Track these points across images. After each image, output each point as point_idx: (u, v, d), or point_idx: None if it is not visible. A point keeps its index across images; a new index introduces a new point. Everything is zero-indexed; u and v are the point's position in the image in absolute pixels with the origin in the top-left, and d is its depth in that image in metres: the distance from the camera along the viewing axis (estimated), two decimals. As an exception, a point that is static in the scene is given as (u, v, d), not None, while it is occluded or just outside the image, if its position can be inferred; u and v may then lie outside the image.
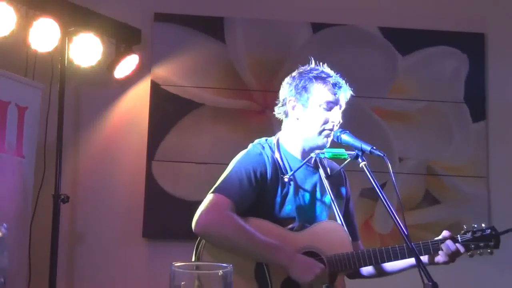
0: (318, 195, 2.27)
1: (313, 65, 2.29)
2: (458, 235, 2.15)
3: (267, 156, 2.20)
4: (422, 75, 3.88)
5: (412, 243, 1.89)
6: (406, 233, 1.85)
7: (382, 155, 2.01)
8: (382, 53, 3.88)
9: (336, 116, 2.20)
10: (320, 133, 2.20)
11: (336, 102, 2.21)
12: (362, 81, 3.81)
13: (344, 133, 2.15)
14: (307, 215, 2.22)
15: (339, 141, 2.15)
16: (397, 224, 1.85)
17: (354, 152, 2.11)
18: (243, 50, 3.83)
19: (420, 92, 3.87)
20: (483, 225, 2.17)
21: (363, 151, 2.06)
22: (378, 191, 1.93)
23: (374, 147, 2.06)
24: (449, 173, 3.81)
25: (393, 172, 1.96)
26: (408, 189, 3.75)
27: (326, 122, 2.20)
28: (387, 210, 1.87)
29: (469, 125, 3.85)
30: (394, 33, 3.89)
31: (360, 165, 2.04)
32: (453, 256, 2.11)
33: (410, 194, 3.75)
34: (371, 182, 1.97)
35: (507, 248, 3.63)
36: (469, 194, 3.78)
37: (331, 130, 2.19)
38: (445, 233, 2.16)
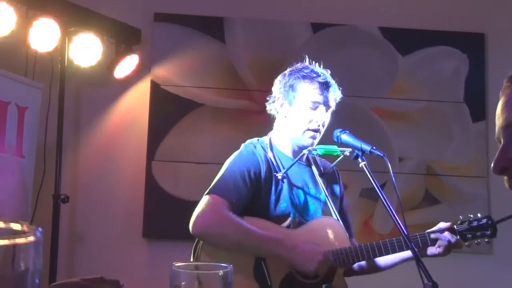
0: (312, 191, 2.27)
1: (306, 63, 2.29)
2: (455, 225, 2.16)
3: (260, 156, 2.21)
4: (422, 75, 3.88)
5: (409, 236, 1.88)
6: (406, 233, 1.85)
7: (382, 155, 2.02)
8: (382, 53, 3.87)
9: (321, 116, 2.19)
10: (303, 132, 2.20)
11: (322, 102, 2.20)
12: (362, 81, 3.81)
13: (344, 133, 2.15)
14: (302, 212, 2.23)
15: (339, 141, 2.16)
16: (397, 224, 1.86)
17: (346, 149, 2.11)
18: (243, 50, 3.82)
19: (420, 92, 3.87)
20: (479, 215, 2.17)
21: (363, 151, 2.06)
22: (378, 191, 1.93)
23: (374, 147, 2.06)
24: (449, 173, 3.81)
25: (393, 172, 1.97)
26: (408, 189, 3.75)
27: (311, 122, 2.19)
28: (387, 210, 1.88)
29: (469, 125, 3.84)
30: (394, 33, 3.89)
31: (360, 165, 2.04)
32: (449, 247, 2.11)
33: (410, 194, 3.75)
34: (371, 182, 1.97)
35: (507, 248, 3.64)
36: (469, 194, 3.77)
37: (315, 131, 2.19)
38: (441, 224, 2.16)
